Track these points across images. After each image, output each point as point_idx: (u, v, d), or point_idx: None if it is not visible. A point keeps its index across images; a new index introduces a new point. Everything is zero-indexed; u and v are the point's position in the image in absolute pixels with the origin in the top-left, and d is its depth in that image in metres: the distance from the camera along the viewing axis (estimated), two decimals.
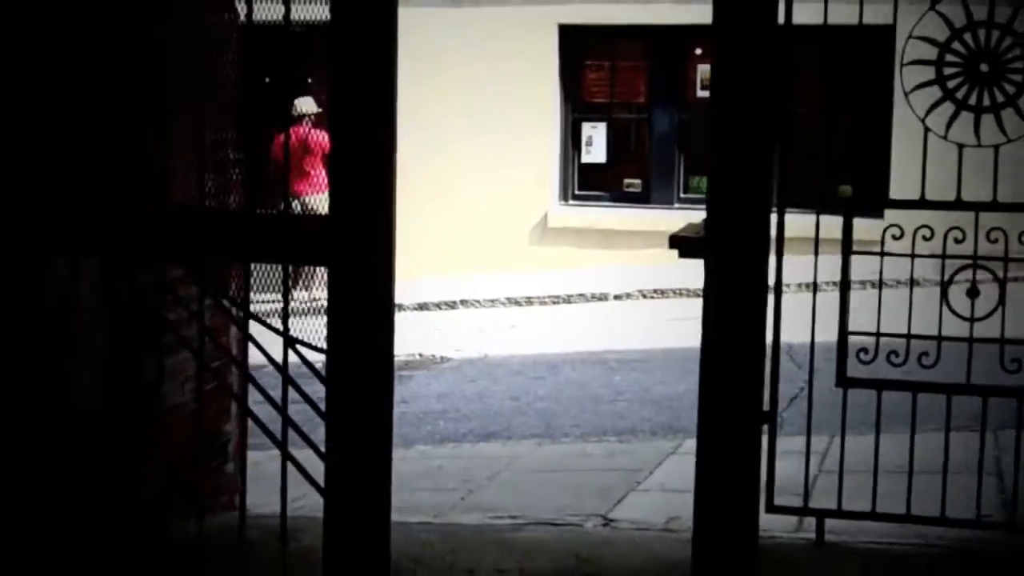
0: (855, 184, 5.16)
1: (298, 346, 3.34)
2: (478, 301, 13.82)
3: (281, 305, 3.49)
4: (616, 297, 13.58)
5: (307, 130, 13.37)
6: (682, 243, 4.06)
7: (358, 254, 3.03)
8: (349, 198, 3.02)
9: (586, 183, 15.66)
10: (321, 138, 12.94)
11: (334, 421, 3.14)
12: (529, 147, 15.20)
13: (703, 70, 14.50)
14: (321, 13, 5.19)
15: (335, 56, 3.09)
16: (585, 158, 15.61)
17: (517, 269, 14.84)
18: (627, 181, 15.50)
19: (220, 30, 5.03)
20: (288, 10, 3.44)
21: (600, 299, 13.61)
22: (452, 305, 13.76)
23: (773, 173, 4.28)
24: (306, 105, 13.46)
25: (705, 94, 13.56)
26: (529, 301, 13.77)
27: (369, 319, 3.06)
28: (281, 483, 3.47)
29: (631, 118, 15.62)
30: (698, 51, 14.67)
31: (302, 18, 3.62)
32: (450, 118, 15.03)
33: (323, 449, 3.27)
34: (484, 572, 4.82)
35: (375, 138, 3.04)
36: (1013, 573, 4.95)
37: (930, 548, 5.08)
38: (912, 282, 4.88)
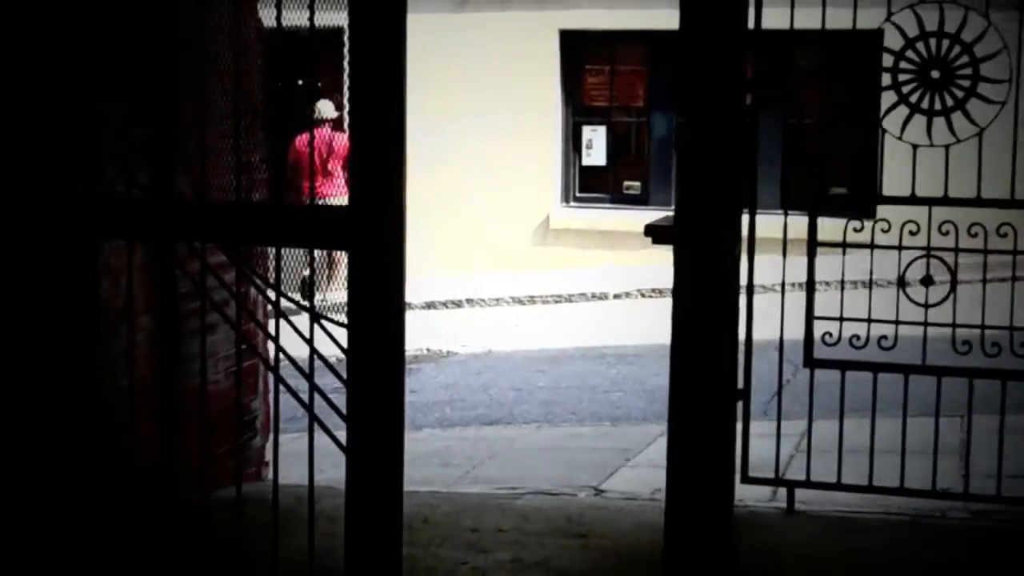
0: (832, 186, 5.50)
1: (322, 321, 3.76)
2: (483, 300, 13.95)
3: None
4: (616, 296, 13.72)
5: (329, 133, 13.58)
6: (655, 231, 4.55)
7: (374, 239, 3.37)
8: (366, 189, 3.36)
9: (586, 185, 15.72)
10: (343, 141, 13.06)
11: (355, 384, 3.54)
12: (531, 149, 15.28)
13: None
14: (330, 20, 5.51)
15: (353, 61, 3.35)
16: (585, 160, 15.66)
17: (520, 269, 14.96)
18: (627, 183, 15.57)
19: (247, 37, 5.39)
20: (312, 18, 3.63)
21: (600, 298, 13.75)
22: (458, 304, 13.90)
23: (745, 173, 4.71)
24: (326, 109, 13.69)
25: None
26: (532, 300, 13.91)
27: (383, 295, 3.45)
28: (308, 441, 3.80)
29: (630, 121, 15.70)
30: None
31: (317, 25, 3.88)
32: (454, 121, 15.12)
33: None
34: (486, 531, 5.21)
35: (388, 134, 3.35)
36: (964, 537, 5.28)
37: (891, 516, 5.43)
38: (871, 272, 5.20)
